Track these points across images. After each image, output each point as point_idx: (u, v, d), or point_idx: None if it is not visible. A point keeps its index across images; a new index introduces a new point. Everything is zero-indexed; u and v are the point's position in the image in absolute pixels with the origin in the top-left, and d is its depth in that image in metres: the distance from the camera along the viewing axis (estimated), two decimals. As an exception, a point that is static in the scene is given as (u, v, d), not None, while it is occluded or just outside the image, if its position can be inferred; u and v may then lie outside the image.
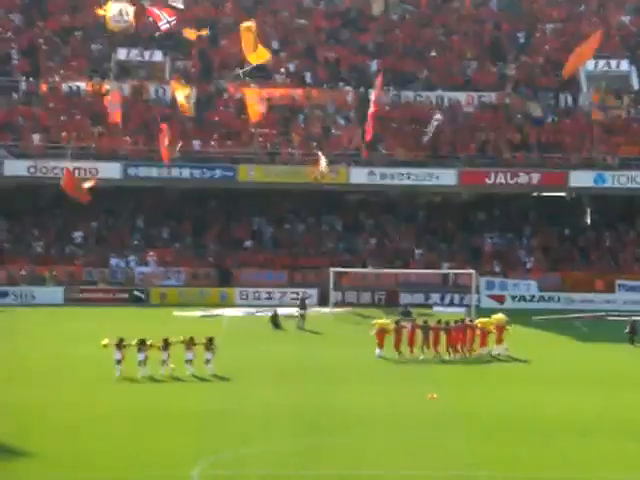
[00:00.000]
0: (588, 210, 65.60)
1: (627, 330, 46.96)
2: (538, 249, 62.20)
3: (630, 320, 47.49)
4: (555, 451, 30.47)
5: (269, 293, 57.84)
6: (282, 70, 66.31)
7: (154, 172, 60.49)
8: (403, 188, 61.58)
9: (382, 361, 42.75)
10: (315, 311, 54.19)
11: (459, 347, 43.02)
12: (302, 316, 50.84)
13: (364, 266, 59.77)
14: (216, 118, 63.52)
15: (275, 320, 50.43)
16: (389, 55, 67.56)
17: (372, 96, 59.60)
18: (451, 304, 57.44)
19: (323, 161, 57.50)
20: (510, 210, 65.05)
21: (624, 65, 67.10)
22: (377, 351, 43.07)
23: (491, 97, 65.02)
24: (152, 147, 60.67)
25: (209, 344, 38.91)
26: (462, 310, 55.49)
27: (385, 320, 44.57)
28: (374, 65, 66.69)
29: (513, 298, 57.90)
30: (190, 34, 65.93)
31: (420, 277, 59.29)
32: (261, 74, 66.13)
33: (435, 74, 66.37)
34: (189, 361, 38.78)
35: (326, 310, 54.98)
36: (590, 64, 66.33)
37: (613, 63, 66.97)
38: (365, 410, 34.83)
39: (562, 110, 64.93)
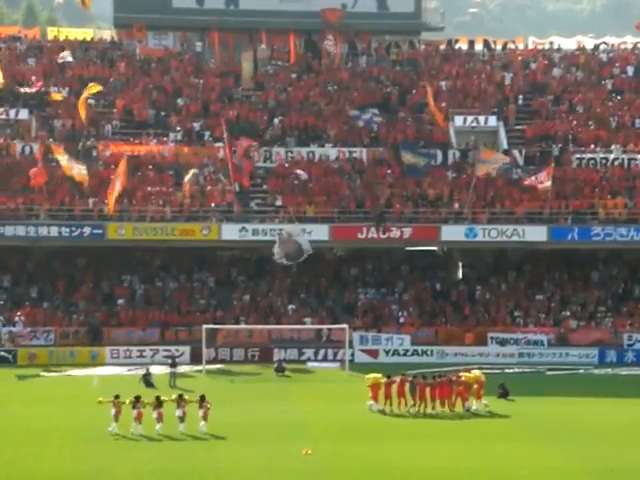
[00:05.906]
0: (460, 264, 66.23)
1: (498, 394, 47.18)
2: (411, 303, 62.37)
3: (498, 384, 47.77)
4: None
5: (141, 351, 56.63)
6: (178, 128, 65.85)
7: (21, 231, 59.10)
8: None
9: (259, 419, 42.03)
10: (187, 369, 53.47)
11: (443, 402, 43.80)
12: (173, 374, 50.13)
13: (237, 323, 59.20)
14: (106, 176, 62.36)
15: (147, 378, 49.52)
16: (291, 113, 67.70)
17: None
18: (325, 359, 57.08)
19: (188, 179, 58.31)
20: (382, 265, 65.26)
21: (492, 121, 68.20)
22: (370, 403, 43.74)
23: (363, 152, 65.40)
24: (18, 205, 59.50)
25: (201, 402, 39.10)
26: (336, 365, 55.29)
27: (377, 374, 44.68)
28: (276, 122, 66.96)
29: (387, 352, 57.82)
30: (56, 96, 65.85)
31: (294, 333, 59.00)
32: (157, 131, 65.66)
33: (312, 130, 66.76)
34: (180, 418, 38.90)
35: (198, 368, 54.13)
36: (459, 120, 67.50)
37: (481, 119, 68.07)
38: (239, 468, 34.33)
39: (434, 165, 65.32)
